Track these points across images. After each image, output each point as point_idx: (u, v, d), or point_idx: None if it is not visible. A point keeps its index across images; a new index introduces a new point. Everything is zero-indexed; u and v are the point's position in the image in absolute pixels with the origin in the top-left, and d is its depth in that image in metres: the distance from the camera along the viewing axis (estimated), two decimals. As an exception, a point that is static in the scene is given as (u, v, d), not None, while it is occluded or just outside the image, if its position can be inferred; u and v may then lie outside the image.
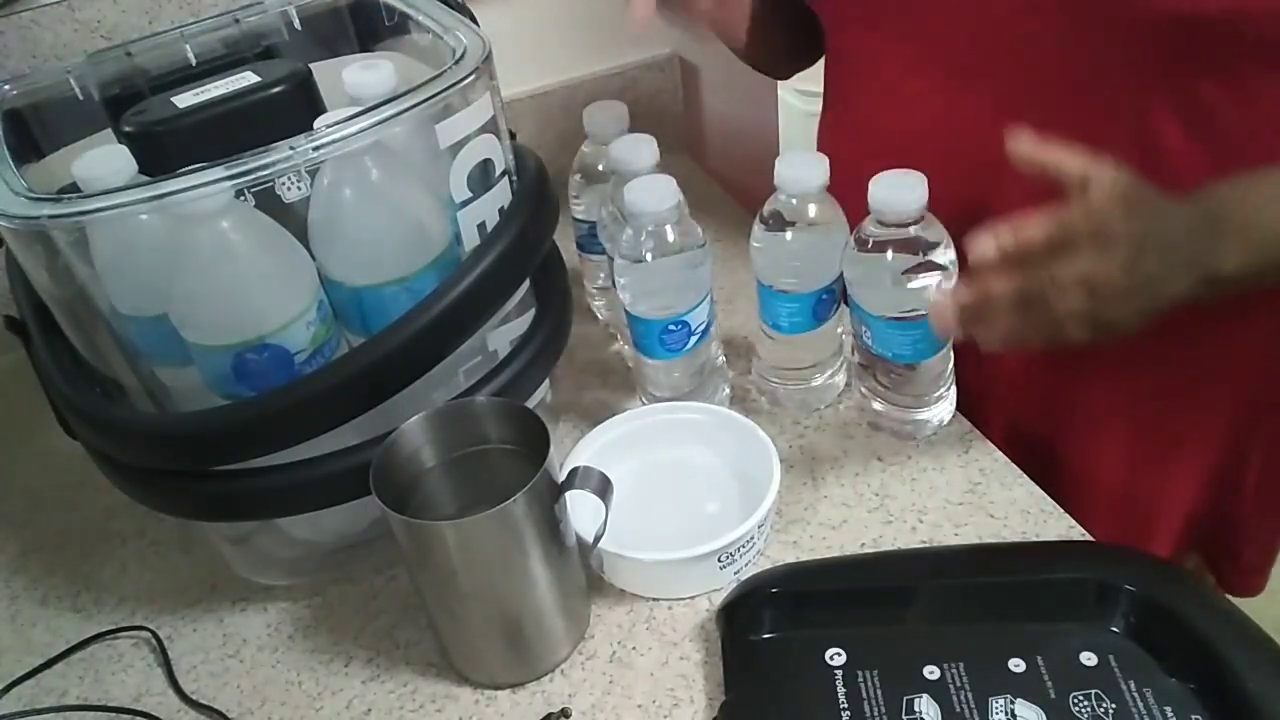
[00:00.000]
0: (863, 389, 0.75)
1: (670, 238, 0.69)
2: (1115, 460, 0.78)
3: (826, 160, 0.69)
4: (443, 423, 0.61)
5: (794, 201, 0.70)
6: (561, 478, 0.59)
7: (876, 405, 0.74)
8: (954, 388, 0.74)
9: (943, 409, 0.74)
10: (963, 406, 0.76)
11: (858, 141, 0.78)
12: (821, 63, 0.86)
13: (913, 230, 0.66)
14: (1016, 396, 0.79)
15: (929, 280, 0.66)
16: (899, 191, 0.65)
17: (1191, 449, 0.77)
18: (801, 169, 0.68)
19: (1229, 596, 0.86)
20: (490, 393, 0.64)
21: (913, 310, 0.67)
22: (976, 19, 0.67)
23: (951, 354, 0.72)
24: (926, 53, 0.71)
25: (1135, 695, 0.54)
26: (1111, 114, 0.65)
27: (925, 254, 0.66)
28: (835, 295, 0.73)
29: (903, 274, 0.66)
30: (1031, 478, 0.71)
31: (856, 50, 0.78)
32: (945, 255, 0.66)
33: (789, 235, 0.70)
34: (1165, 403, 0.75)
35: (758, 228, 0.71)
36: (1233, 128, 0.64)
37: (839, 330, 0.77)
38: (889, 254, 0.66)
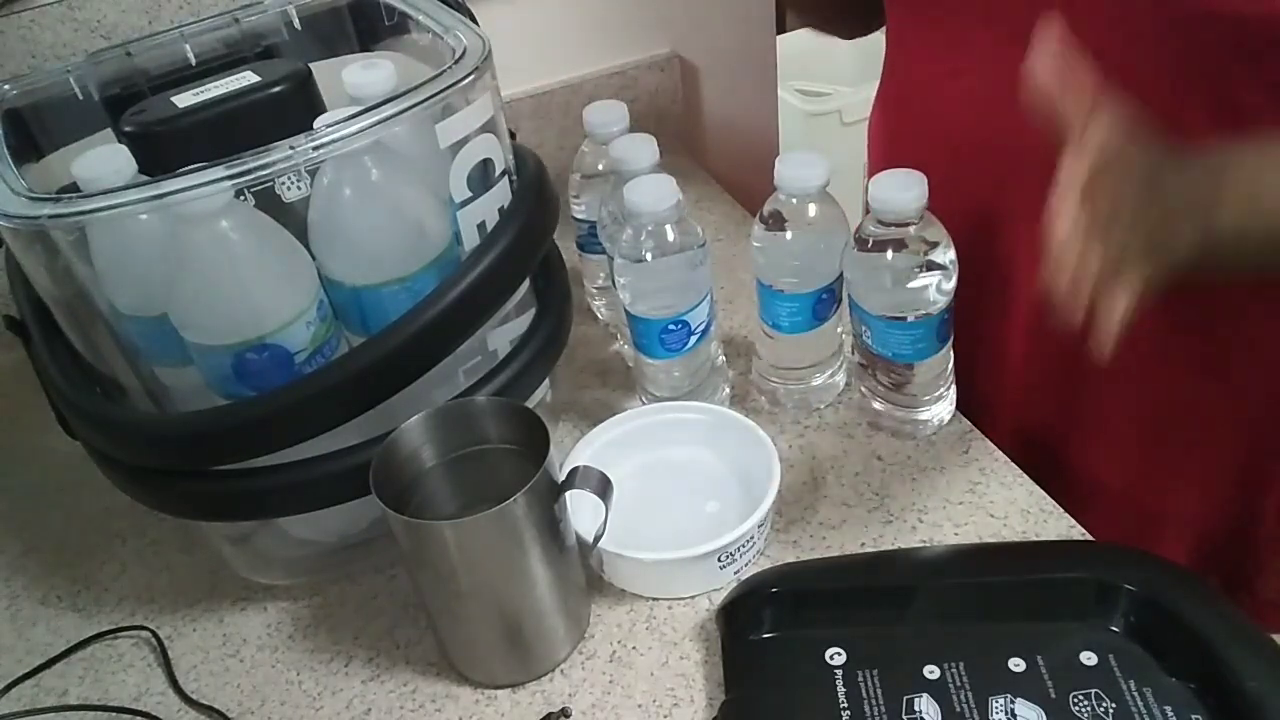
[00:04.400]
0: (863, 389, 0.75)
1: (670, 237, 0.69)
2: (1122, 466, 0.77)
3: (826, 160, 0.69)
4: (443, 423, 0.61)
5: (794, 201, 0.70)
6: (561, 478, 0.59)
7: (876, 405, 0.74)
8: (954, 388, 0.74)
9: (943, 409, 0.74)
10: (968, 407, 0.76)
11: (909, 126, 0.77)
12: (823, 61, 0.86)
13: (913, 230, 0.66)
14: (1025, 399, 0.78)
15: (929, 280, 0.66)
16: (899, 191, 0.65)
17: (1201, 457, 0.76)
18: (801, 169, 0.68)
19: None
20: (490, 393, 0.64)
21: (913, 310, 0.67)
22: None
23: (951, 354, 0.72)
24: (975, 37, 0.69)
25: (1135, 695, 0.54)
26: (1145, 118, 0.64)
27: (925, 254, 0.66)
28: (835, 295, 0.73)
29: (903, 274, 0.66)
30: (1036, 481, 0.70)
31: (914, 33, 0.77)
32: (945, 255, 0.67)
33: (789, 235, 0.70)
34: (1177, 410, 0.73)
35: (758, 228, 0.71)
36: (1272, 135, 0.63)
37: (839, 330, 0.77)
38: (889, 254, 0.66)
